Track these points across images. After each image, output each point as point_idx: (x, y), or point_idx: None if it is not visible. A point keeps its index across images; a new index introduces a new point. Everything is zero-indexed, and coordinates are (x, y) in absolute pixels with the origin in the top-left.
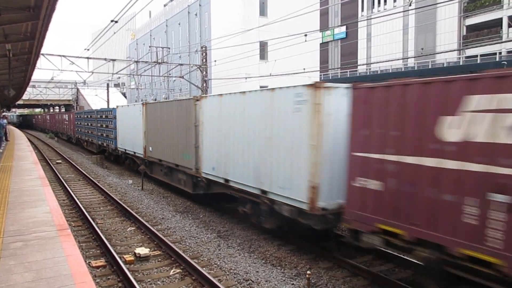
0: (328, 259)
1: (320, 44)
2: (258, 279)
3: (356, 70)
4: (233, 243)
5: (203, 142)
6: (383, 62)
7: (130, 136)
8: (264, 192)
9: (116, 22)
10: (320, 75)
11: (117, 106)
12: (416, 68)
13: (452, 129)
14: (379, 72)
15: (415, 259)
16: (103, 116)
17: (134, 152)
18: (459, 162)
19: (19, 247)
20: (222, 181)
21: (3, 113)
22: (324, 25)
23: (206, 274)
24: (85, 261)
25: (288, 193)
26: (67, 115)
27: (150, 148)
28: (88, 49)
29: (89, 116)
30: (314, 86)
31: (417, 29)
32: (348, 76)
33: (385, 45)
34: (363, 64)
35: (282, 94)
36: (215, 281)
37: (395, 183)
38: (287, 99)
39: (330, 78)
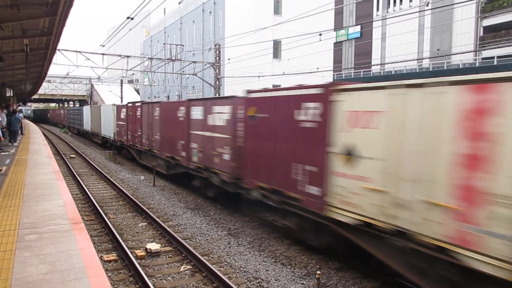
0: (338, 259)
1: (334, 43)
2: (267, 277)
3: (370, 70)
4: (243, 241)
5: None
6: (397, 62)
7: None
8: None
9: (132, 19)
10: (334, 74)
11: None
12: (431, 69)
13: None
14: (393, 73)
15: (272, 202)
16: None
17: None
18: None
19: (34, 239)
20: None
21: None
22: (338, 25)
23: (216, 271)
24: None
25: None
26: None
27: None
28: (103, 45)
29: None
30: None
31: (433, 30)
32: (362, 76)
33: (400, 45)
34: (377, 64)
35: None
36: (225, 278)
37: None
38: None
39: (344, 77)
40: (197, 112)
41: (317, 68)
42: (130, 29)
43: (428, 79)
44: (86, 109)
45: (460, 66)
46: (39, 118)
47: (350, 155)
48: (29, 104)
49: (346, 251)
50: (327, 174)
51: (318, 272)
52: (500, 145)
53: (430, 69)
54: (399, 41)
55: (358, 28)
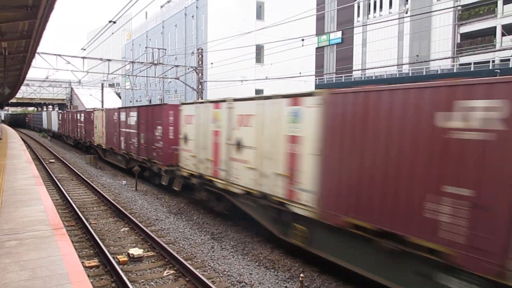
0: (321, 263)
1: (316, 48)
2: (251, 281)
3: (351, 75)
4: (227, 245)
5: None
6: (377, 68)
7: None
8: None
9: (114, 22)
10: (316, 79)
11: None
12: (410, 75)
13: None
14: (373, 78)
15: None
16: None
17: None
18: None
19: (14, 245)
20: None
21: None
22: (320, 30)
23: (200, 276)
24: None
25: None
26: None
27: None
28: (84, 49)
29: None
30: None
31: (412, 36)
32: (343, 81)
33: (380, 51)
34: (358, 70)
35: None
36: (209, 282)
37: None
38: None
39: (325, 82)
40: (122, 116)
41: (300, 73)
42: (112, 33)
43: (273, 94)
44: (44, 114)
45: (439, 72)
46: (16, 122)
47: (239, 145)
48: (6, 108)
49: (235, 213)
50: (227, 160)
51: (301, 275)
52: (301, 143)
53: (410, 75)
54: (380, 47)
55: (339, 33)
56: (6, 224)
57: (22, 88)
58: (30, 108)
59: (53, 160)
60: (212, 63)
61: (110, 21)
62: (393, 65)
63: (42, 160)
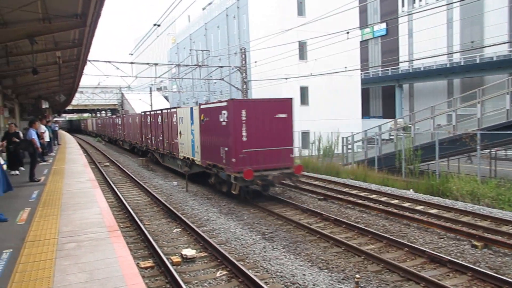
0: (377, 262)
1: (360, 42)
2: (305, 282)
3: (398, 68)
4: (279, 245)
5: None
6: (426, 58)
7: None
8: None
9: (159, 25)
10: (361, 73)
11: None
12: (462, 63)
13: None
14: (422, 69)
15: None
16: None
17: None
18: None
19: (72, 247)
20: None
21: (55, 119)
22: (363, 23)
23: (253, 277)
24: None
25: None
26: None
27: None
28: (132, 54)
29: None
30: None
31: (463, 23)
32: (390, 74)
33: (428, 40)
34: (405, 61)
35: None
36: (262, 284)
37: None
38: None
39: (371, 76)
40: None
41: (345, 68)
42: (157, 36)
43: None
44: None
45: (494, 59)
46: (73, 128)
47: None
48: (63, 115)
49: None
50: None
51: (356, 275)
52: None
53: (462, 63)
54: (427, 37)
55: (383, 25)
56: (66, 227)
57: (77, 95)
58: (85, 114)
59: (107, 164)
60: (256, 62)
61: (155, 25)
62: (443, 54)
63: (97, 164)
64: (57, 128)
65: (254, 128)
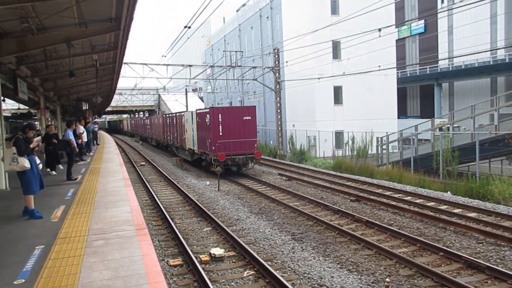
0: (410, 266)
1: (396, 40)
2: (333, 284)
3: (437, 66)
4: (308, 246)
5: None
6: (467, 55)
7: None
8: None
9: (189, 27)
10: (397, 72)
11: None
12: (507, 60)
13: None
14: (463, 67)
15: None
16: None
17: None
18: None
19: (100, 245)
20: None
21: (95, 120)
22: (399, 20)
23: (280, 278)
24: (163, 260)
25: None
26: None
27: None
28: (165, 56)
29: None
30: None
31: (508, 17)
32: (428, 72)
33: (469, 37)
34: (444, 59)
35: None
36: (288, 285)
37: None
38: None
39: (408, 75)
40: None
41: (379, 67)
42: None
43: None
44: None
45: None
46: (112, 128)
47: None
48: (103, 116)
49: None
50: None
51: (387, 279)
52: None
53: (507, 60)
54: (468, 33)
55: (421, 22)
56: (96, 224)
57: (115, 97)
58: (124, 115)
59: (143, 163)
60: (287, 62)
61: (185, 27)
62: (485, 51)
63: (134, 163)
64: (96, 129)
65: (227, 127)
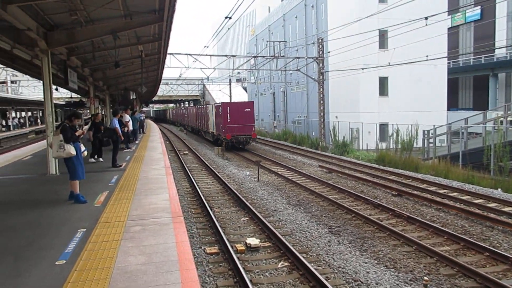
0: (452, 266)
1: (448, 28)
2: (368, 280)
3: (493, 55)
4: (344, 240)
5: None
6: None
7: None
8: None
9: (230, 18)
10: (449, 62)
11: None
12: None
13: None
14: None
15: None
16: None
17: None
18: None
19: (137, 231)
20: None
21: (142, 109)
22: (453, 6)
23: (314, 271)
24: (200, 247)
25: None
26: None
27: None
28: (207, 47)
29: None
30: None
31: None
32: (483, 62)
33: None
34: (502, 47)
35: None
36: (322, 278)
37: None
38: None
39: (461, 65)
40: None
41: (426, 56)
42: (228, 29)
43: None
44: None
45: None
46: (158, 117)
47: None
48: (150, 105)
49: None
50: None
51: (425, 278)
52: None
53: None
54: None
55: (477, 8)
56: (135, 211)
57: (162, 86)
58: (171, 105)
59: (186, 152)
60: (329, 52)
61: (226, 17)
62: None
63: (177, 152)
64: (142, 118)
65: (233, 116)
